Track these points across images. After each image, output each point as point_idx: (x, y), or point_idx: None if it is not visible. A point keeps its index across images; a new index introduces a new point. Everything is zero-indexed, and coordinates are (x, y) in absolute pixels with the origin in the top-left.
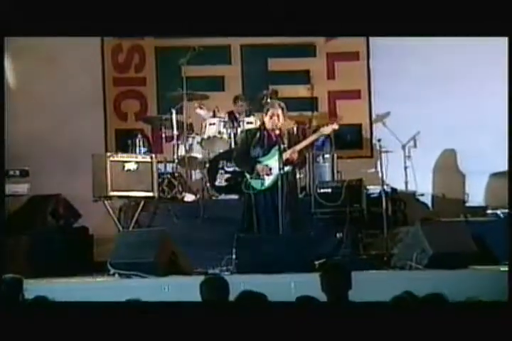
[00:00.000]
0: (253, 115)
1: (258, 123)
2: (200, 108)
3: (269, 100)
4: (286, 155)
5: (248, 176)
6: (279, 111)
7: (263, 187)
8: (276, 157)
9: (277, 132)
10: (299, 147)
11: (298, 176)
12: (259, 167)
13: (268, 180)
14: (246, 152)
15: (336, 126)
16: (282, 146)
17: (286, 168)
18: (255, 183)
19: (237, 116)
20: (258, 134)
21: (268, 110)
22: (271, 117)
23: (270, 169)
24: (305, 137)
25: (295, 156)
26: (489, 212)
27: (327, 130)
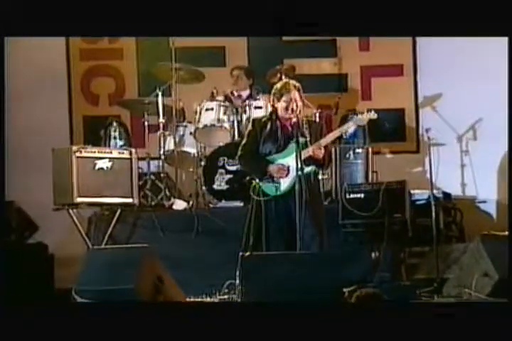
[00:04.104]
0: (262, 98)
1: (269, 108)
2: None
3: (283, 77)
4: (308, 152)
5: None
6: (296, 95)
7: (278, 193)
8: (295, 154)
9: (294, 120)
10: (324, 141)
11: (321, 177)
12: (272, 168)
13: (284, 184)
14: (255, 149)
15: (374, 116)
16: (301, 140)
17: (308, 169)
18: (268, 188)
19: (234, 95)
20: (269, 125)
21: (282, 95)
22: (286, 103)
23: (288, 169)
24: (331, 126)
25: (320, 153)
26: None
27: (362, 120)
